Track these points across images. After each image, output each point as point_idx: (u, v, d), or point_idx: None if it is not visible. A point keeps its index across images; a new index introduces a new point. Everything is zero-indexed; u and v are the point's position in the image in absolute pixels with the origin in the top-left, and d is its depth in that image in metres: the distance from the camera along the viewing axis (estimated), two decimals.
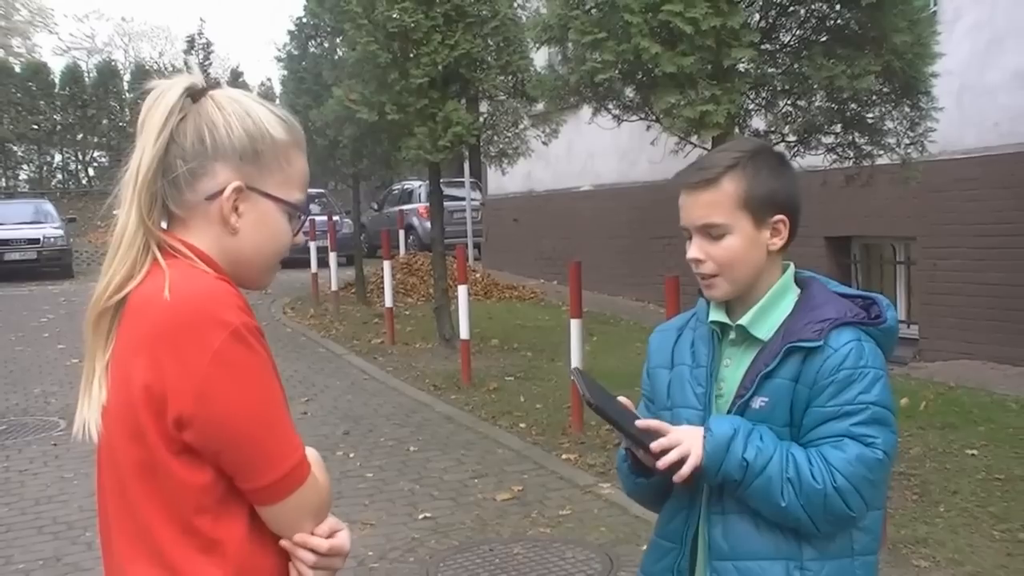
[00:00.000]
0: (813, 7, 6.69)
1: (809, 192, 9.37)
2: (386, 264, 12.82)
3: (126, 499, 1.64)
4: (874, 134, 6.94)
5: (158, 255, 1.66)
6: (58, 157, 37.61)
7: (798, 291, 2.16)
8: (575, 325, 7.72)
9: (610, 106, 7.32)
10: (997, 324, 9.32)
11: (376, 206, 25.46)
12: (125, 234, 1.68)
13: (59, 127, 36.15)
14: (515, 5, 11.16)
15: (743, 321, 2.13)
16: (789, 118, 6.87)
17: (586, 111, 7.68)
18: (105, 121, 36.48)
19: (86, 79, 36.78)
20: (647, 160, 12.06)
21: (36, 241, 22.75)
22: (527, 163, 13.74)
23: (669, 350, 2.26)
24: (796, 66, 6.62)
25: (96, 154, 37.85)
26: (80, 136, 36.57)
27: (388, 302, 12.67)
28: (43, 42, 75.92)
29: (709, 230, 2.10)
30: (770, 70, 6.81)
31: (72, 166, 37.92)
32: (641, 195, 14.08)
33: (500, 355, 11.37)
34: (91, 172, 37.91)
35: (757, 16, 6.65)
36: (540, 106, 10.90)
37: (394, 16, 10.26)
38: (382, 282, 13.39)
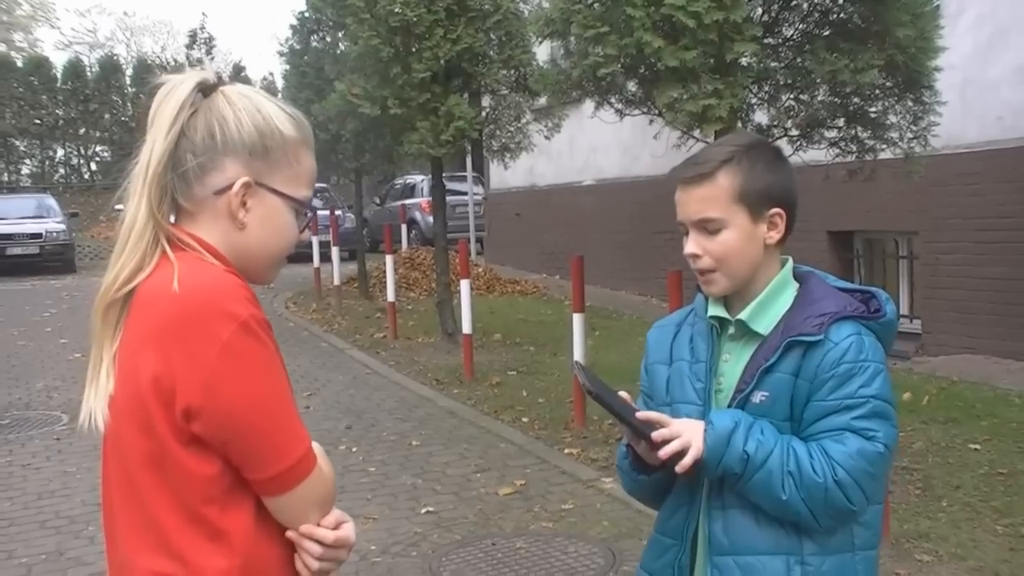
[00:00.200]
0: (816, 1, 6.68)
1: (811, 187, 9.38)
2: (388, 258, 12.82)
3: (133, 490, 1.65)
4: (877, 128, 6.93)
5: (167, 248, 1.68)
6: (60, 152, 37.59)
7: (797, 286, 2.16)
8: (577, 320, 7.72)
9: (612, 100, 7.31)
10: (1000, 319, 9.31)
11: (378, 200, 25.47)
12: (135, 227, 1.69)
13: (61, 122, 36.15)
14: None
15: (742, 316, 2.12)
16: (792, 112, 6.86)
17: (588, 105, 7.67)
18: (107, 116, 36.48)
19: (88, 74, 36.76)
20: (649, 155, 12.03)
21: (38, 236, 22.76)
22: (529, 158, 13.74)
23: (667, 346, 2.26)
24: (799, 60, 6.60)
25: (98, 149, 37.86)
26: (82, 131, 36.57)
27: (390, 296, 12.67)
28: (45, 37, 76.09)
29: (705, 225, 2.09)
30: (773, 64, 6.79)
31: (74, 161, 37.91)
32: (643, 190, 14.07)
33: (502, 350, 11.37)
34: (93, 167, 37.92)
35: (760, 10, 6.64)
36: (542, 100, 10.87)
37: (396, 10, 10.25)
38: (384, 277, 13.38)
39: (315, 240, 16.12)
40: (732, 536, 2.06)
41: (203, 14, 54.06)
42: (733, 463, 1.99)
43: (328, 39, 15.76)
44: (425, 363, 10.78)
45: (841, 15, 6.65)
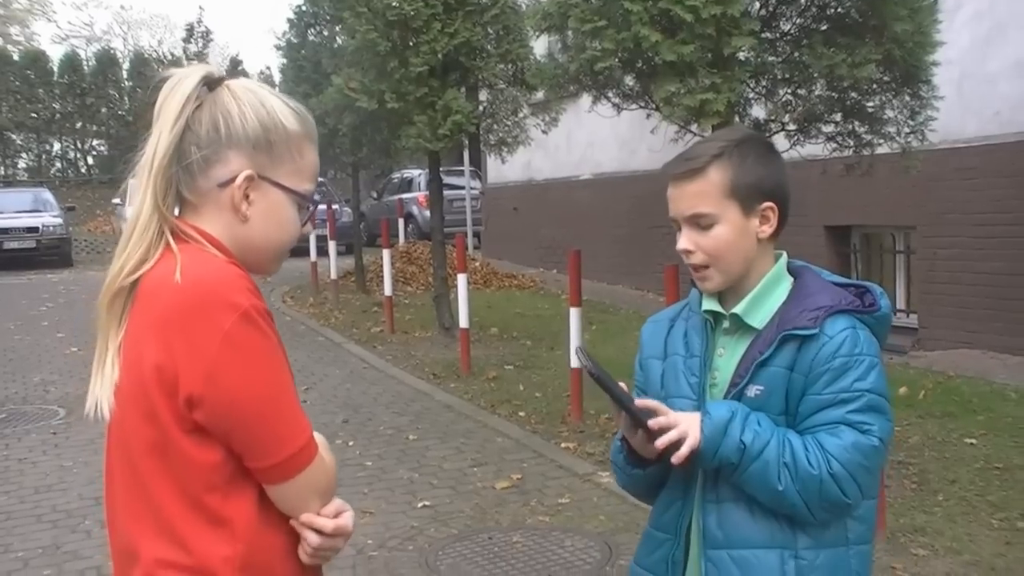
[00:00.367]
0: None
1: (809, 181, 9.38)
2: (385, 253, 12.82)
3: (137, 477, 1.68)
4: (874, 123, 6.93)
5: (171, 240, 1.71)
6: (57, 145, 37.58)
7: (791, 280, 2.16)
8: (574, 314, 7.72)
9: (610, 95, 7.30)
10: (996, 313, 9.32)
11: (375, 195, 25.45)
12: (140, 219, 1.72)
13: (58, 115, 36.12)
14: None
15: (737, 310, 2.12)
16: (789, 107, 6.85)
17: (586, 100, 7.66)
18: (104, 109, 36.48)
19: (85, 67, 36.73)
20: (647, 149, 12.03)
21: (35, 230, 22.74)
22: (527, 152, 13.73)
23: (662, 340, 2.26)
24: (796, 55, 6.60)
25: (95, 143, 37.85)
26: (79, 124, 36.56)
27: (387, 291, 12.67)
28: (42, 30, 75.98)
29: (698, 220, 2.10)
30: (770, 59, 6.79)
31: (71, 154, 37.90)
32: (641, 184, 14.05)
33: (499, 344, 11.38)
34: (90, 160, 37.89)
35: (757, 4, 6.63)
36: (540, 95, 10.89)
37: (394, 4, 10.24)
38: (381, 271, 13.39)
39: (312, 234, 16.09)
40: (726, 529, 2.06)
41: (200, 8, 54.21)
42: (730, 453, 1.99)
43: (325, 33, 15.75)
44: (422, 357, 10.78)
45: (839, 9, 6.64)
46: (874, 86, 6.74)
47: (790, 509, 2.01)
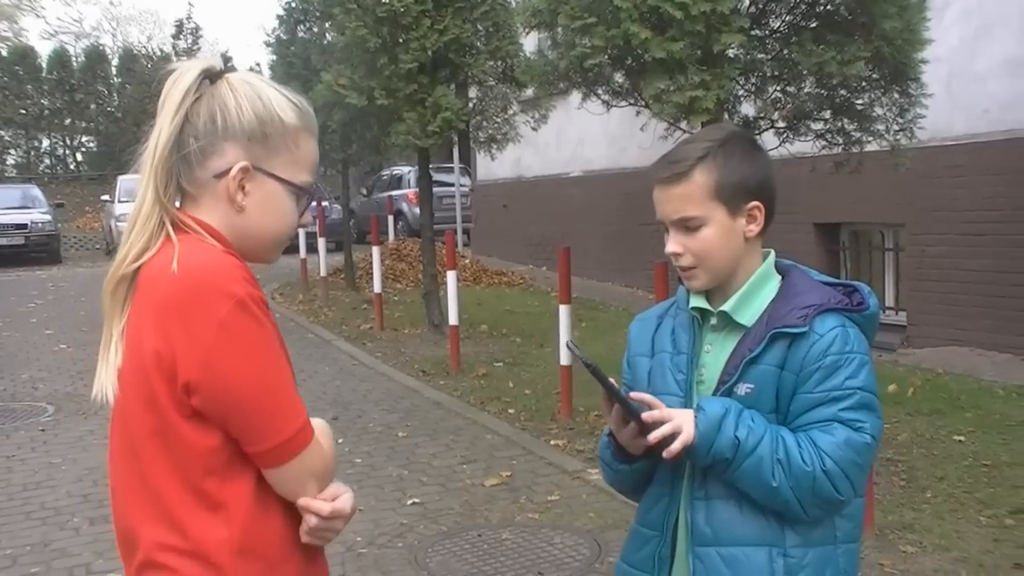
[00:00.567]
0: None
1: (798, 179, 9.39)
2: (375, 250, 12.80)
3: (137, 461, 1.73)
4: (863, 120, 6.94)
5: (171, 231, 1.75)
6: (46, 142, 37.48)
7: (780, 278, 2.16)
8: (564, 311, 7.72)
9: (599, 92, 7.30)
10: (985, 311, 9.35)
11: (365, 192, 25.43)
12: (142, 210, 1.77)
13: (47, 112, 36.03)
14: None
15: (726, 307, 2.13)
16: (778, 104, 6.86)
17: (575, 97, 7.66)
18: (93, 106, 36.38)
19: (74, 64, 36.65)
20: (637, 146, 12.04)
21: (24, 226, 22.68)
22: (516, 149, 13.72)
23: (649, 338, 2.26)
24: (786, 52, 6.61)
25: (84, 139, 37.75)
26: (68, 121, 36.46)
27: (377, 288, 12.65)
28: (30, 26, 75.60)
29: (685, 223, 2.10)
30: (760, 56, 6.79)
31: (60, 151, 37.80)
32: (630, 181, 14.06)
33: (489, 341, 11.37)
34: (79, 157, 37.79)
35: (747, 1, 6.63)
36: (529, 92, 10.85)
37: (383, 1, 10.23)
38: (371, 268, 13.37)
39: (302, 231, 16.08)
40: (715, 526, 2.06)
41: (189, 3, 54.05)
42: (724, 448, 1.99)
43: (315, 29, 15.73)
44: (411, 354, 10.78)
45: (828, 7, 6.65)
46: (863, 83, 6.75)
47: (783, 506, 2.01)
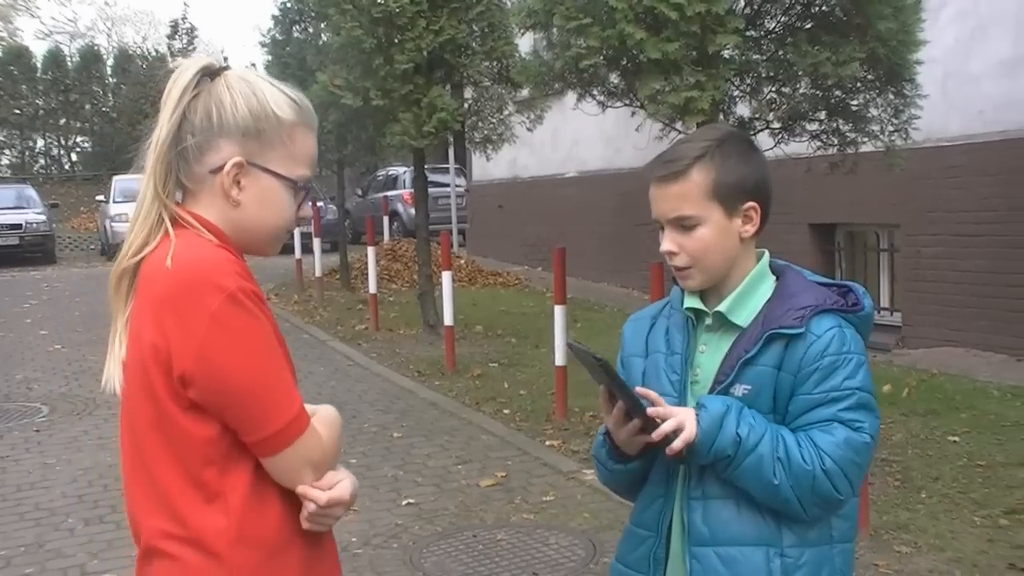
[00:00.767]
0: None
1: (793, 179, 9.39)
2: (370, 250, 12.80)
3: (140, 451, 1.79)
4: (858, 121, 6.94)
5: (169, 226, 1.80)
6: (40, 142, 37.43)
7: (774, 279, 2.16)
8: (559, 312, 7.72)
9: (595, 92, 7.30)
10: (980, 311, 9.35)
11: (360, 192, 25.41)
12: (143, 205, 1.83)
13: (41, 112, 35.97)
14: None
15: (721, 308, 2.12)
16: (774, 105, 6.87)
17: (571, 97, 7.66)
18: (88, 106, 36.31)
19: (69, 64, 36.58)
20: (632, 146, 11.99)
21: (18, 227, 22.65)
22: (512, 149, 13.72)
23: (643, 338, 2.26)
24: (781, 53, 6.61)
25: (79, 139, 37.67)
26: (63, 121, 36.40)
27: (372, 288, 12.65)
28: (25, 26, 75.55)
29: (681, 222, 2.09)
30: (755, 56, 6.80)
31: (55, 151, 37.75)
32: (626, 182, 14.06)
33: (484, 341, 11.37)
34: (74, 157, 37.73)
35: (742, 2, 6.64)
36: (525, 92, 10.85)
37: (379, 1, 10.22)
38: (366, 268, 13.37)
39: (297, 231, 16.07)
40: (712, 526, 2.06)
41: (185, 4, 53.74)
42: (726, 446, 1.99)
43: (310, 30, 15.73)
44: (407, 355, 10.77)
45: (823, 8, 6.66)
46: (858, 84, 6.76)
47: (783, 504, 2.01)
